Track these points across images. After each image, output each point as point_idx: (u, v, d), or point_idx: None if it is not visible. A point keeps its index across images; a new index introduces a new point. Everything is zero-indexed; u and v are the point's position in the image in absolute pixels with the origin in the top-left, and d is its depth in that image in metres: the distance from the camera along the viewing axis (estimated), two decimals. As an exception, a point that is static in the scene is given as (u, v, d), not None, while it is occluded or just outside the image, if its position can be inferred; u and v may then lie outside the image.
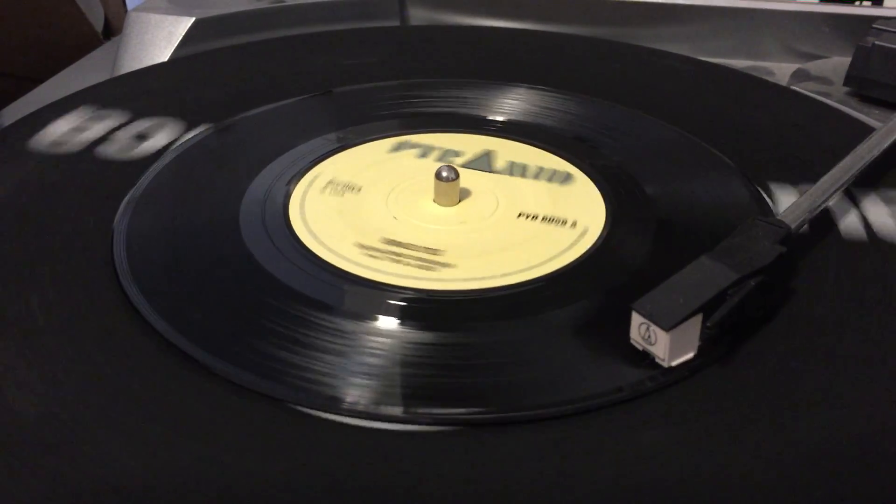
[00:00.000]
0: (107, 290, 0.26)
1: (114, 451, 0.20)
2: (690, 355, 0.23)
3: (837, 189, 0.29)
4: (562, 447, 0.21)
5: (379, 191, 0.33)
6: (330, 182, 0.33)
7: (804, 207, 0.27)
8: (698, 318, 0.23)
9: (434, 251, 0.29)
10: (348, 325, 0.25)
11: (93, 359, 0.24)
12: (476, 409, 0.22)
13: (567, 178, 0.34)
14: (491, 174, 0.34)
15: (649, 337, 0.23)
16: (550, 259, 0.28)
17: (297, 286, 0.26)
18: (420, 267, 0.28)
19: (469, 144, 0.36)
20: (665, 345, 0.22)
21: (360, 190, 0.33)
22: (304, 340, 0.24)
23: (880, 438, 0.21)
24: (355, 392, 0.22)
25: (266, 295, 0.26)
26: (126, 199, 0.31)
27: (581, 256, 0.29)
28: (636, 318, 0.23)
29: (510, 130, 0.38)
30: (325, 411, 0.22)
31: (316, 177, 0.33)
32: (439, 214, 0.31)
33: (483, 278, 0.27)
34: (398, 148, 0.36)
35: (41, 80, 0.49)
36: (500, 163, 0.35)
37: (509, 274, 0.28)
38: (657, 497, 0.20)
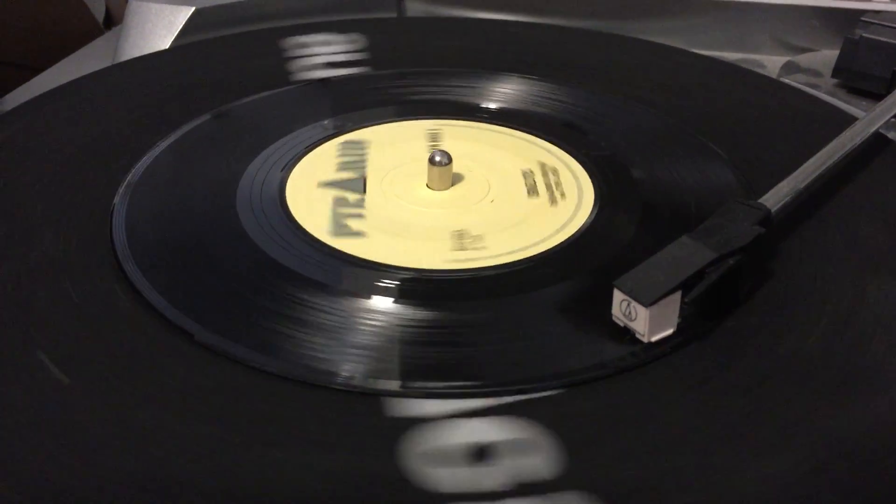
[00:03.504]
0: (106, 270, 0.27)
1: (114, 430, 0.21)
2: (670, 331, 0.24)
3: (818, 174, 0.30)
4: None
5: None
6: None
7: (785, 191, 0.28)
8: (678, 296, 0.24)
9: None
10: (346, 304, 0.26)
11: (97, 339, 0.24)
12: (464, 383, 0.23)
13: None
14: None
15: (630, 313, 0.24)
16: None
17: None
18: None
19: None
20: (645, 320, 0.23)
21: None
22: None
23: (854, 417, 0.22)
24: (349, 366, 0.23)
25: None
26: (125, 182, 0.32)
27: (568, 239, 0.29)
28: (618, 295, 0.24)
29: (502, 117, 0.38)
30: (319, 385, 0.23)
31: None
32: (448, 198, 0.32)
33: None
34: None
35: (42, 69, 0.50)
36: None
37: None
38: (635, 470, 0.20)
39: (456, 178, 0.33)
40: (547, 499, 0.19)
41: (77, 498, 0.19)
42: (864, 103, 0.43)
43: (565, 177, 0.33)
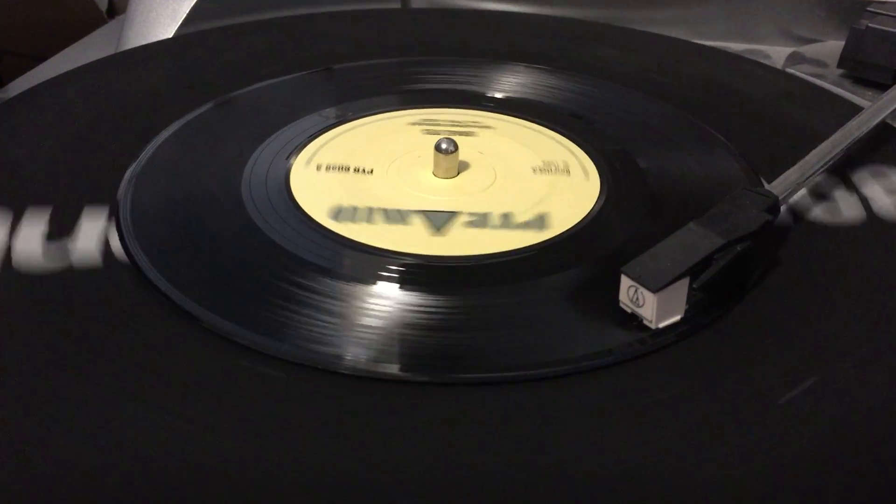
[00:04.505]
0: (112, 256, 0.27)
1: (120, 417, 0.21)
2: (678, 318, 0.24)
3: (826, 163, 0.30)
4: (552, 406, 0.22)
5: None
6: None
7: (792, 179, 0.28)
8: (685, 282, 0.24)
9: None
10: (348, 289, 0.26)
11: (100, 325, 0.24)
12: (469, 370, 0.23)
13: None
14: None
15: (637, 299, 0.24)
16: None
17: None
18: None
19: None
20: (652, 306, 0.23)
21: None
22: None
23: (866, 403, 0.22)
24: (354, 351, 0.23)
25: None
26: (130, 170, 0.32)
27: (575, 226, 0.29)
28: (625, 281, 0.24)
29: (509, 107, 0.38)
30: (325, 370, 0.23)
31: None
32: (459, 185, 0.32)
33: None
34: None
35: (46, 58, 0.49)
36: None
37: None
38: (643, 456, 0.20)
39: (462, 167, 0.33)
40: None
41: (83, 487, 0.19)
42: (869, 93, 0.43)
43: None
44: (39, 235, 0.28)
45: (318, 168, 0.33)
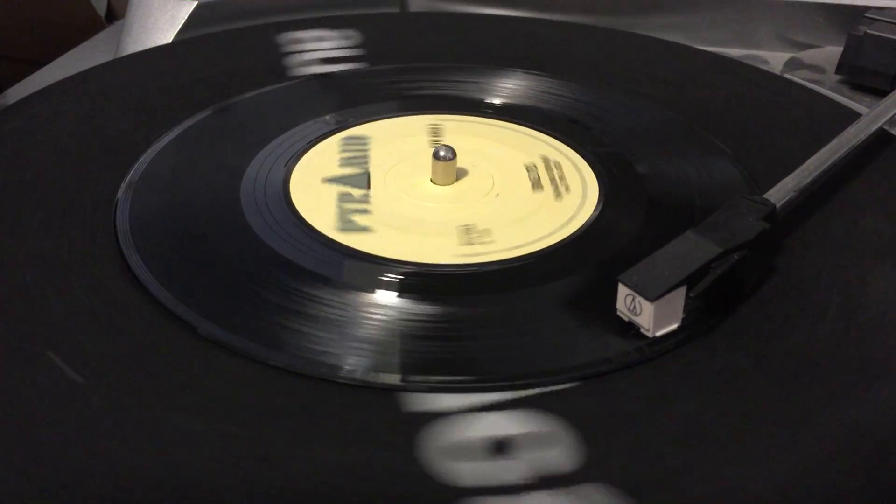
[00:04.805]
0: (110, 264, 0.27)
1: (116, 424, 0.21)
2: (675, 326, 0.24)
3: (823, 170, 0.30)
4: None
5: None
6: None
7: (789, 186, 0.28)
8: (682, 290, 0.24)
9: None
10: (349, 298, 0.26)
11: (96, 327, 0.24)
12: (466, 378, 0.23)
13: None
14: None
15: (635, 308, 0.24)
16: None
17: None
18: None
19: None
20: (650, 315, 0.23)
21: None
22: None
23: (861, 407, 0.22)
24: (353, 361, 0.23)
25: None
26: (128, 177, 0.32)
27: (573, 234, 0.29)
28: (622, 290, 0.24)
29: (508, 113, 0.38)
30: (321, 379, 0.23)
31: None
32: (453, 192, 0.32)
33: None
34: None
35: (44, 64, 0.50)
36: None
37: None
38: (641, 464, 0.20)
39: (460, 173, 0.33)
40: (568, 491, 0.19)
41: (82, 493, 0.19)
42: (867, 100, 0.43)
43: (569, 172, 0.33)
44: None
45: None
